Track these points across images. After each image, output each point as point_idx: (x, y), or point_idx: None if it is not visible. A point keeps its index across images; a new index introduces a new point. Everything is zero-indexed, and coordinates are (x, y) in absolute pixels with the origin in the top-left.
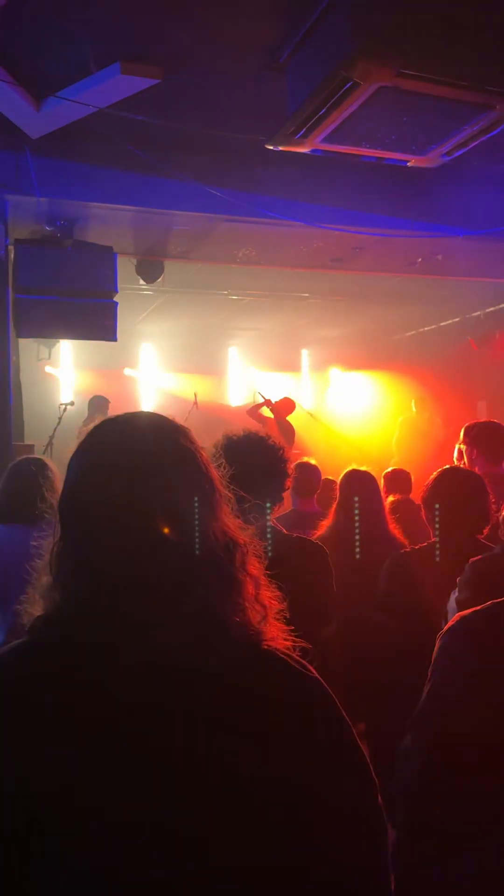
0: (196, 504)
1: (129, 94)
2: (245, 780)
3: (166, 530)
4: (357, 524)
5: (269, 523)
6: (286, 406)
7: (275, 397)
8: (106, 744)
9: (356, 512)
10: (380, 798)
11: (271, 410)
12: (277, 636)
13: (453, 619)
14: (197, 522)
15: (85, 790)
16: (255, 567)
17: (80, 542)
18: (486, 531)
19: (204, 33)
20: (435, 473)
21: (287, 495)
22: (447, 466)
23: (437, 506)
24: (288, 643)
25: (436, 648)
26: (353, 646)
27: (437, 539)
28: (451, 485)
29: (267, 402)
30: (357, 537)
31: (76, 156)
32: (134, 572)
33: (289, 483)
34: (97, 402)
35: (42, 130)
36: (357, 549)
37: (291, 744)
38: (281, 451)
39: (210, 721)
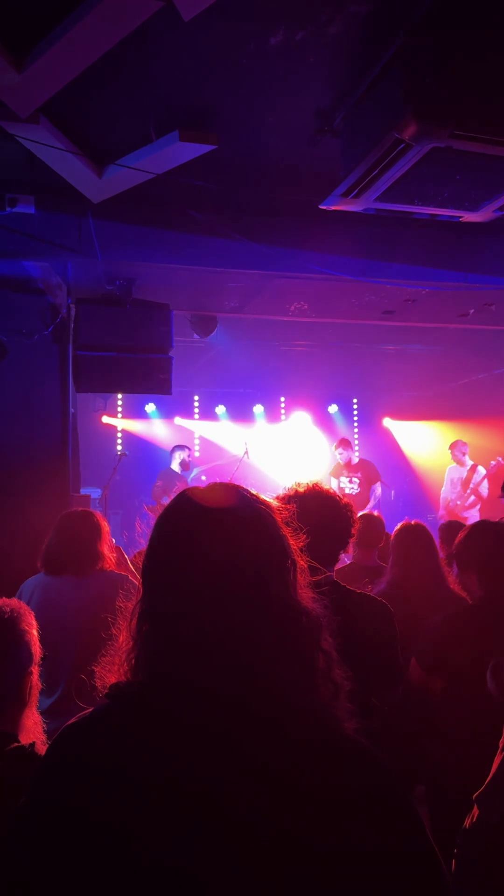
0: (273, 575)
1: (187, 160)
2: (309, 872)
3: (245, 600)
4: (413, 579)
5: (332, 578)
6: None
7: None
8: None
9: (414, 566)
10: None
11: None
12: (348, 717)
13: None
14: (273, 594)
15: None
16: (328, 642)
17: (160, 606)
18: None
19: (260, 100)
20: (464, 530)
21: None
22: (475, 522)
23: (470, 565)
24: (358, 725)
25: None
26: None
27: (475, 598)
28: (482, 542)
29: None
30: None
31: (135, 218)
32: (213, 647)
33: (352, 539)
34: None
35: (103, 196)
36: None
37: (357, 845)
38: (348, 509)
39: (275, 811)
